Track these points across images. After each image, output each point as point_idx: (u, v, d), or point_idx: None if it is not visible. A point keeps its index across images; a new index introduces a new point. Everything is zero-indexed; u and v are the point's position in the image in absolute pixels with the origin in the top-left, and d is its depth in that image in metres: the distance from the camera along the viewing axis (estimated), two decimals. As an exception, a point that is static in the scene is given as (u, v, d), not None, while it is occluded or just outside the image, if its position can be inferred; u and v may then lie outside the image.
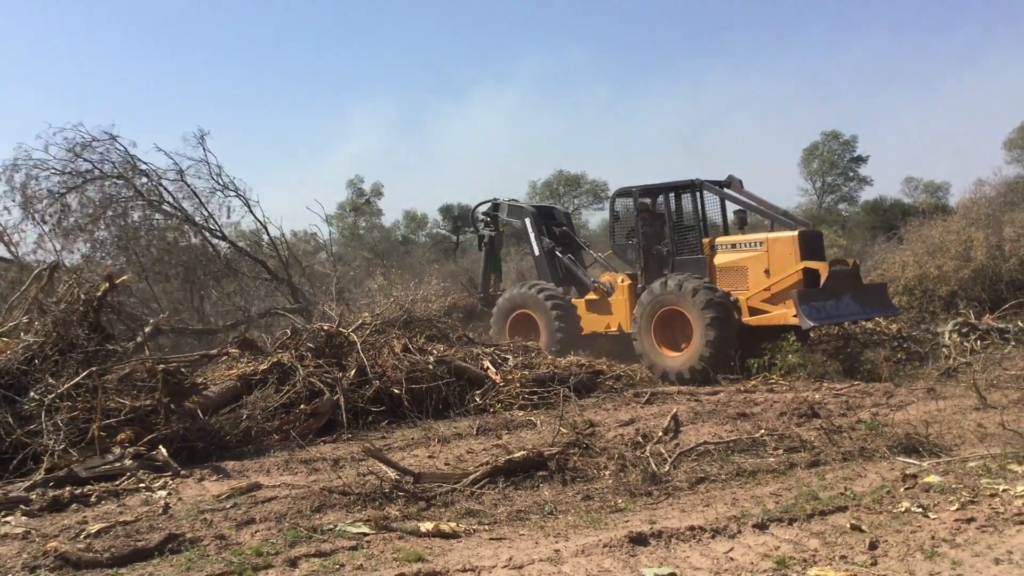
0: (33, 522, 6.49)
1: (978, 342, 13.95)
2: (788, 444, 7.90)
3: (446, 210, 56.07)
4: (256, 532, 6.03)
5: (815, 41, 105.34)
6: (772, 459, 7.51)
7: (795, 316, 12.19)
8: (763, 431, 8.32)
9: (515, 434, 9.32)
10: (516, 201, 17.05)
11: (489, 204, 17.69)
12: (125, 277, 11.84)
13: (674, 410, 9.42)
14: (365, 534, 5.83)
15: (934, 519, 5.63)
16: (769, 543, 5.33)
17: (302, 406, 9.76)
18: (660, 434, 8.48)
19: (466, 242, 56.85)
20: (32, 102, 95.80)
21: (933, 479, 6.54)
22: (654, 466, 7.18)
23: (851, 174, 59.88)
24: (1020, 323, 14.82)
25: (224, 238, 19.07)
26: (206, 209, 18.66)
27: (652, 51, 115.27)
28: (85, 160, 17.37)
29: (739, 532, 5.54)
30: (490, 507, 6.49)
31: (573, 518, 6.12)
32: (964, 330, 14.45)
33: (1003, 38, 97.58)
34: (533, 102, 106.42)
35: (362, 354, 10.74)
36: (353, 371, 10.54)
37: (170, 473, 7.87)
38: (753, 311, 12.97)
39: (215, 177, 18.86)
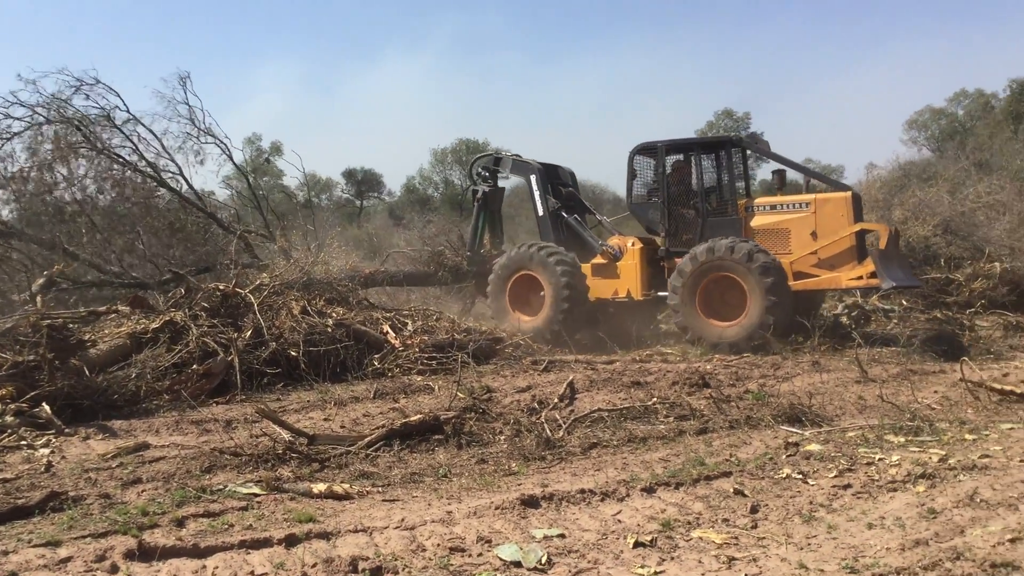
0: (-97, 480, 6.22)
1: (863, 320, 14.54)
2: (679, 412, 8.10)
3: (349, 174, 55.28)
4: (143, 492, 5.89)
5: (727, 23, 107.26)
6: (663, 426, 7.70)
7: (872, 277, 11.82)
8: (655, 399, 8.52)
9: (413, 398, 9.33)
10: (519, 156, 16.01)
11: (489, 157, 16.71)
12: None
13: (570, 378, 9.57)
14: (256, 495, 5.76)
15: (813, 485, 5.87)
16: (656, 506, 5.48)
17: (195, 366, 9.55)
18: (556, 401, 8.61)
19: (369, 207, 56.25)
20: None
21: (814, 447, 6.82)
22: (548, 431, 7.28)
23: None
24: (904, 302, 15.49)
25: (163, 183, 17.37)
26: (168, 155, 17.37)
27: (569, 20, 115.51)
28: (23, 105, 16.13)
29: (628, 495, 5.68)
30: (384, 469, 6.49)
31: (467, 481, 6.17)
32: (854, 312, 14.97)
33: (907, 27, 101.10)
34: (445, 66, 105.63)
35: (259, 315, 10.56)
36: (249, 332, 10.36)
37: (53, 431, 7.62)
38: (797, 275, 12.47)
39: (196, 123, 17.74)
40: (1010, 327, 13.65)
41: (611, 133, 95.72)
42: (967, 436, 7.08)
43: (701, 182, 13.55)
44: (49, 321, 8.84)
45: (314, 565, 4.46)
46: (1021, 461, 6.24)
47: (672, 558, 4.60)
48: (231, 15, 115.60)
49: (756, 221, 13.02)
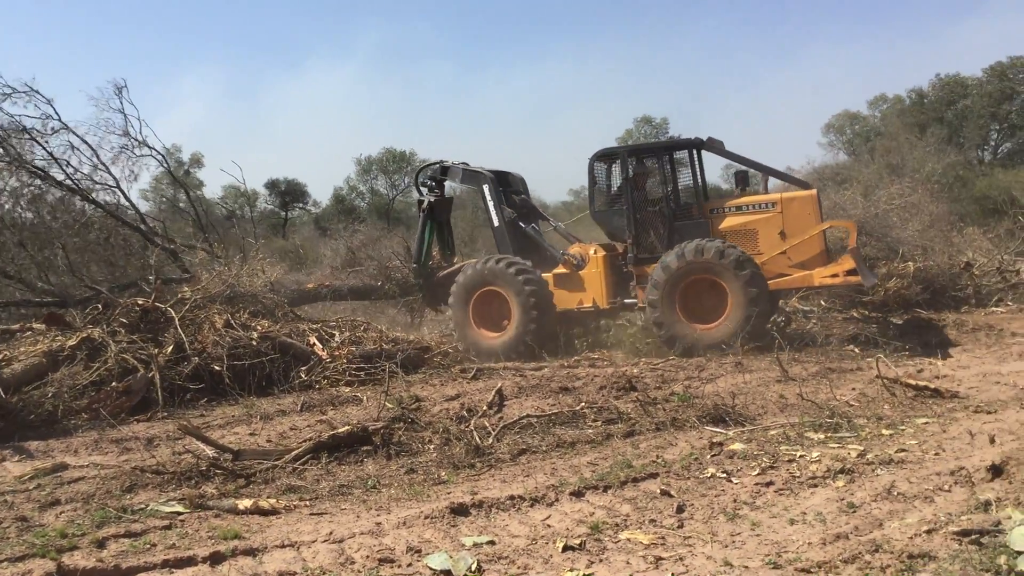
0: None
1: (784, 321, 14.85)
2: (606, 416, 8.18)
3: (272, 185, 54.59)
4: (61, 513, 5.75)
5: (648, 29, 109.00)
6: (591, 430, 7.77)
7: (850, 274, 11.87)
8: (583, 404, 8.59)
9: (341, 410, 9.24)
10: (467, 165, 15.33)
11: (436, 167, 15.80)
12: None
13: (499, 385, 9.59)
14: (179, 513, 5.65)
15: (737, 484, 5.99)
16: (585, 509, 5.53)
17: (113, 384, 9.32)
18: (485, 408, 8.61)
19: (295, 218, 55.58)
20: None
21: (737, 446, 6.96)
22: (478, 439, 7.29)
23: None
24: (822, 303, 15.89)
25: (87, 198, 16.53)
26: (104, 167, 16.67)
27: (495, 29, 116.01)
28: None
29: (557, 500, 5.72)
30: (312, 483, 6.42)
31: (396, 491, 6.14)
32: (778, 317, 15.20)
33: (821, 34, 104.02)
34: (371, 75, 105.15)
35: (180, 330, 10.36)
36: (170, 347, 10.15)
37: (-35, 454, 7.37)
38: (768, 276, 12.24)
39: (132, 133, 17.14)
40: (923, 325, 14.10)
41: (539, 140, 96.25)
42: (884, 431, 7.29)
43: (665, 186, 13.38)
44: (-42, 341, 8.55)
45: (240, 582, 4.39)
46: (936, 455, 6.46)
47: (601, 560, 4.65)
48: (152, 22, 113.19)
49: (723, 223, 12.88)
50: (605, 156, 13.84)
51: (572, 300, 13.62)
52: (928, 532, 4.76)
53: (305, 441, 7.27)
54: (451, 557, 4.67)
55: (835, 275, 12.01)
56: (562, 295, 13.64)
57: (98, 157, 16.82)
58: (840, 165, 36.20)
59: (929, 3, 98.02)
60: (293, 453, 6.93)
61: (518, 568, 4.56)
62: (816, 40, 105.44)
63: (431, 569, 4.56)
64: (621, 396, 9.07)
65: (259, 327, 11.32)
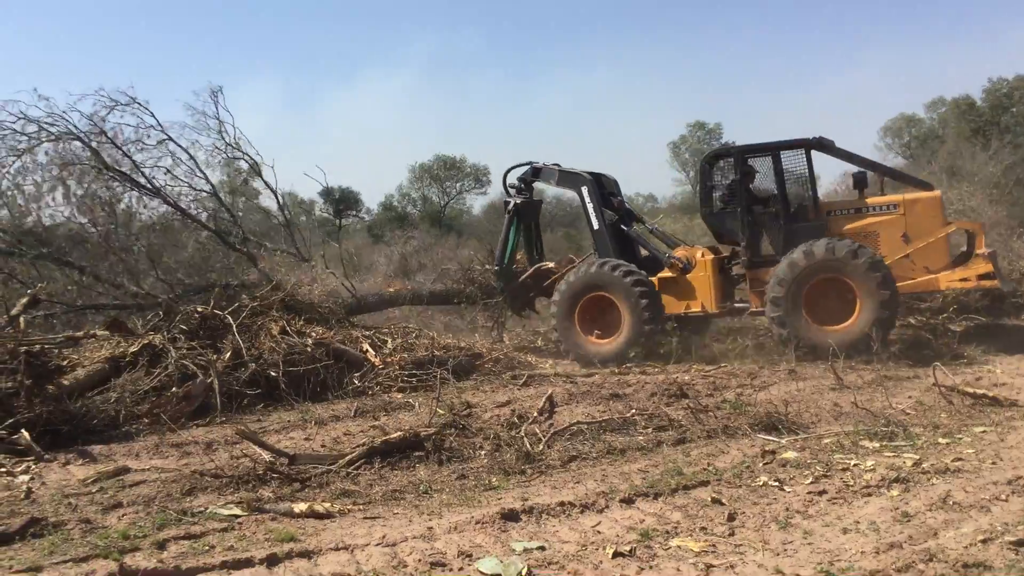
0: None
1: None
2: (657, 423, 8.16)
3: (326, 193, 55.32)
4: (123, 516, 5.89)
5: (694, 32, 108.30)
6: (641, 437, 7.76)
7: (985, 279, 11.58)
8: (634, 411, 8.59)
9: (393, 416, 9.34)
10: (559, 166, 14.95)
11: (527, 168, 15.36)
12: None
13: (550, 392, 9.62)
14: (237, 516, 5.77)
15: (789, 492, 5.95)
16: (635, 516, 5.54)
17: (174, 389, 9.54)
18: (535, 415, 8.64)
19: (348, 225, 56.23)
20: None
21: (790, 455, 6.90)
22: (528, 445, 7.33)
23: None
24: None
25: (177, 207, 16.40)
26: (202, 174, 16.67)
27: (542, 36, 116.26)
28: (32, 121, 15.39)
29: (607, 507, 5.74)
30: (365, 487, 6.51)
31: (447, 497, 6.20)
32: None
33: (876, 36, 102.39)
34: (423, 84, 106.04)
35: (237, 336, 10.56)
36: (228, 354, 10.36)
37: (33, 457, 7.59)
38: None
39: (225, 137, 17.12)
40: (982, 332, 13.82)
41: (583, 145, 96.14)
42: (940, 440, 7.18)
43: (782, 187, 12.90)
44: (27, 348, 8.81)
45: (296, 584, 4.49)
46: (993, 464, 6.36)
47: (651, 567, 4.66)
48: (211, 36, 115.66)
49: (841, 225, 12.48)
50: (718, 156, 13.61)
51: (679, 305, 13.27)
52: (983, 542, 4.70)
53: (359, 446, 7.37)
54: (502, 562, 4.71)
55: (966, 279, 11.66)
56: (668, 300, 13.32)
57: (196, 164, 16.80)
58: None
59: (986, 4, 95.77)
60: (347, 458, 7.03)
61: (568, 573, 4.59)
62: (870, 44, 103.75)
63: (482, 573, 4.61)
64: (672, 403, 9.05)
65: (313, 334, 11.50)
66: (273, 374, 10.32)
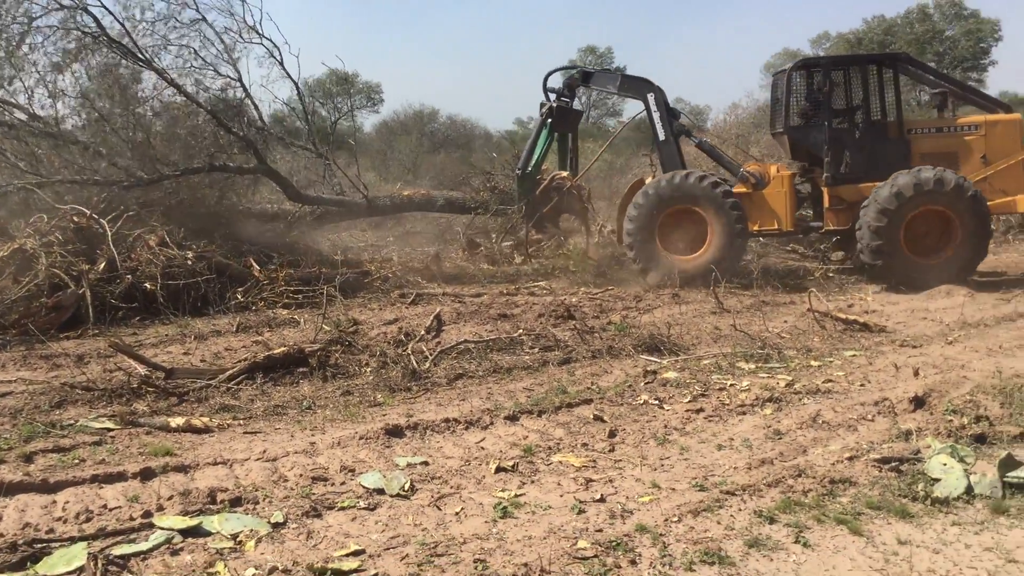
0: None
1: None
2: (544, 343, 8.23)
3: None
4: (-13, 428, 5.64)
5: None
6: (528, 357, 7.83)
7: None
8: (521, 331, 8.63)
9: (277, 332, 9.15)
10: (621, 70, 13.96)
11: (576, 72, 14.20)
12: None
13: (438, 310, 9.57)
14: (109, 429, 5.59)
15: (668, 410, 6.12)
16: (518, 433, 5.60)
17: (43, 299, 9.09)
18: (423, 333, 8.60)
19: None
20: None
21: (671, 375, 7.08)
22: (415, 363, 7.29)
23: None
24: (761, 239, 16.03)
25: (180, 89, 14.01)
26: (230, 59, 14.38)
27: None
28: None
29: (491, 424, 5.78)
30: (246, 403, 6.39)
31: (331, 413, 6.14)
32: None
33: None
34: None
35: (112, 247, 10.07)
36: (103, 264, 9.90)
37: None
38: None
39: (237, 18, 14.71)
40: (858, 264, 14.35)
41: (481, 69, 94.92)
42: (812, 363, 7.48)
43: (869, 102, 12.32)
44: None
45: (170, 497, 4.38)
46: (861, 386, 6.66)
47: (532, 481, 4.72)
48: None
49: (921, 145, 12.10)
50: (804, 65, 12.85)
51: (752, 222, 12.55)
52: (850, 459, 4.93)
53: (240, 361, 7.21)
54: (384, 476, 4.70)
55: None
56: None
57: (227, 50, 14.61)
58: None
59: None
60: (227, 373, 6.86)
61: (450, 488, 4.61)
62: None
63: (364, 487, 4.59)
64: (559, 324, 9.12)
65: (195, 247, 11.06)
66: (150, 286, 9.92)
